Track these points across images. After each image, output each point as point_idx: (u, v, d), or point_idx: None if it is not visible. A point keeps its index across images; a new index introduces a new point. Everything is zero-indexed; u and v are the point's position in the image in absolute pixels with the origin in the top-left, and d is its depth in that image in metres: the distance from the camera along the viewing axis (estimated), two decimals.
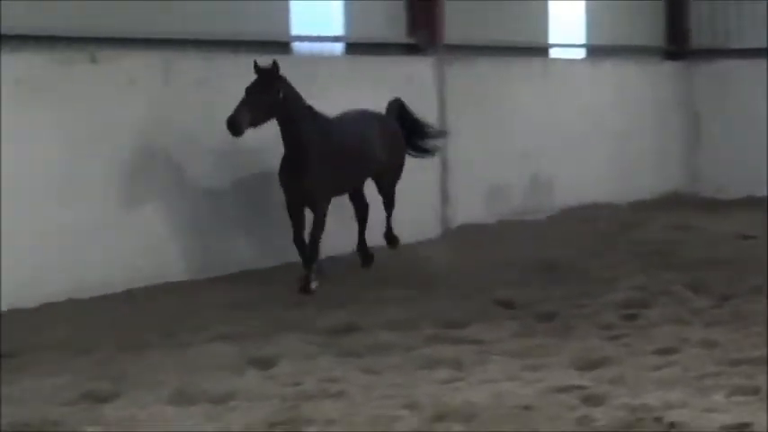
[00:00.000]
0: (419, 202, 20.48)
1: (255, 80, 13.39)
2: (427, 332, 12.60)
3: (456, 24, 21.97)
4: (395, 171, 15.93)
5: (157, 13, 17.52)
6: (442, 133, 16.59)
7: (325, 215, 14.36)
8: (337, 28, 21.25)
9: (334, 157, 14.24)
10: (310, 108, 14.11)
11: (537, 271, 16.75)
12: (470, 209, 21.84)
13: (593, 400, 9.28)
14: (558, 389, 9.84)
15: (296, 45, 20.89)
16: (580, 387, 9.82)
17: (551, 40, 25.73)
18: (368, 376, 10.82)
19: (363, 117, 15.59)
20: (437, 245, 20.34)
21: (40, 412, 9.69)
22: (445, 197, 21.37)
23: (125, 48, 17.39)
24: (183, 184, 16.80)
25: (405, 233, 19.31)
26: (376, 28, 21.74)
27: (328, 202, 14.49)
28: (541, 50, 25.57)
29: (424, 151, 16.50)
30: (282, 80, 13.62)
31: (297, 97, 13.84)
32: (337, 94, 18.64)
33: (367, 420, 9.09)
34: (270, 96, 13.21)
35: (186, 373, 11.10)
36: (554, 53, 25.88)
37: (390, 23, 21.85)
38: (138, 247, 16.69)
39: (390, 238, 16.38)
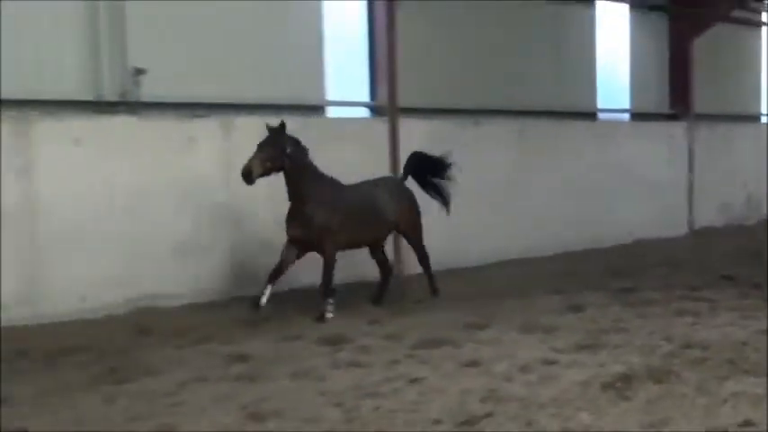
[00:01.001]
0: (674, 212, 24.23)
1: (266, 137, 13.14)
2: (678, 293, 14.53)
3: (704, 97, 25.19)
4: (413, 228, 15.02)
5: (512, 87, 20.42)
6: (450, 164, 15.25)
7: (333, 258, 13.67)
8: (626, 102, 24.24)
9: (337, 209, 13.59)
10: (313, 166, 13.60)
11: (749, 256, 18.93)
12: (706, 216, 25.50)
13: None
14: (763, 331, 11.30)
15: (600, 116, 23.52)
16: None
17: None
18: (640, 319, 12.59)
19: (374, 181, 14.69)
20: (685, 239, 23.68)
21: (440, 334, 11.76)
22: (691, 207, 24.91)
23: (490, 116, 20.09)
24: None
25: (664, 232, 22.76)
26: (649, 102, 25.05)
27: (335, 247, 13.66)
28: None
29: (441, 194, 15.55)
30: (288, 137, 13.21)
31: (303, 154, 13.43)
32: (627, 146, 22.68)
33: (640, 347, 10.76)
34: (276, 150, 12.99)
35: (529, 314, 13.10)
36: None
37: (659, 99, 25.13)
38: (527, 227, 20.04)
39: (433, 289, 15.12)
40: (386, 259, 14.98)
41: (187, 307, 13.91)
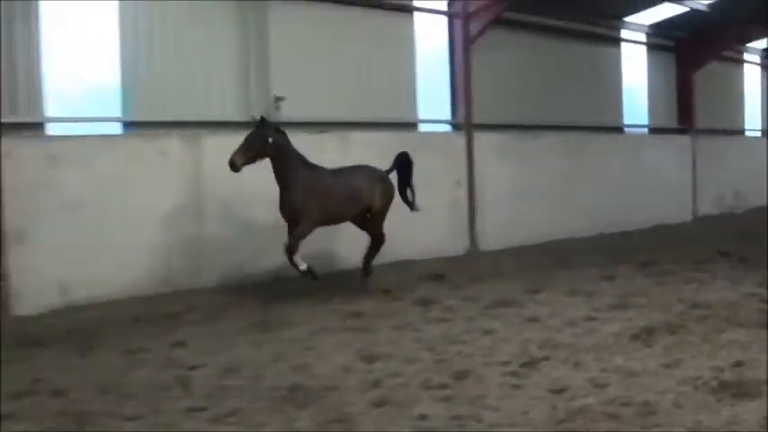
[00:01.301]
0: (682, 203, 23.69)
1: (251, 130, 11.81)
2: (686, 265, 14.20)
3: (703, 116, 24.78)
4: (380, 212, 13.12)
5: (561, 108, 20.25)
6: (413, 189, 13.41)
7: (308, 229, 12.05)
8: (645, 119, 23.85)
9: (316, 191, 12.07)
10: (299, 155, 12.14)
11: (740, 237, 18.40)
12: (706, 207, 24.74)
13: None
14: (749, 294, 11.34)
15: (626, 130, 22.93)
16: (759, 294, 11.23)
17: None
18: (659, 286, 12.40)
19: (354, 168, 13.09)
20: (690, 224, 22.96)
21: (507, 296, 11.79)
22: (694, 199, 24.30)
23: (545, 130, 19.72)
24: None
25: (675, 219, 22.30)
26: (662, 119, 24.37)
27: (312, 221, 12.07)
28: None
29: (409, 203, 13.51)
30: (271, 129, 11.83)
31: (286, 143, 11.94)
32: (646, 153, 22.31)
33: (659, 307, 10.60)
34: (259, 141, 11.58)
35: (574, 282, 12.98)
36: None
37: (669, 117, 24.54)
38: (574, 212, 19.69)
39: (366, 269, 13.25)
40: (375, 230, 13.26)
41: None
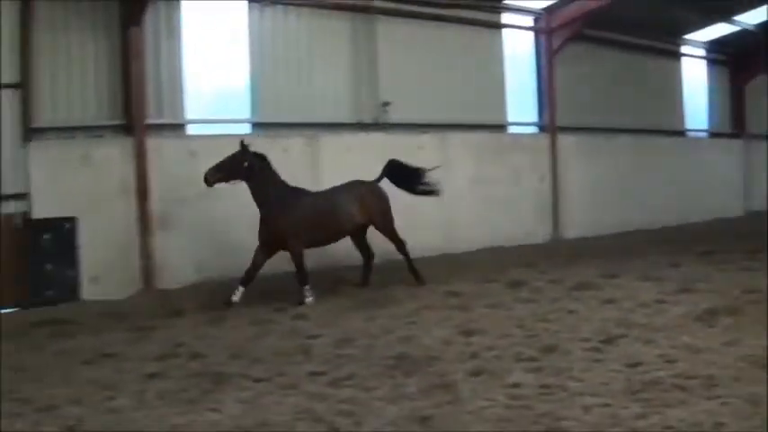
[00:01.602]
0: (735, 199, 22.85)
1: (233, 152, 10.89)
2: (741, 255, 13.46)
3: (753, 122, 23.81)
4: (383, 219, 11.89)
5: (632, 113, 19.65)
6: (428, 172, 12.21)
7: (300, 254, 11.04)
8: (704, 124, 23.00)
9: (293, 215, 11.02)
10: (280, 180, 11.19)
11: None
12: (757, 202, 23.30)
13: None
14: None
15: (688, 134, 22.19)
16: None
17: None
18: (718, 273, 11.70)
19: (339, 187, 11.86)
20: (744, 218, 22.10)
21: (587, 280, 11.18)
22: (746, 196, 23.42)
23: (618, 133, 19.30)
24: None
25: (728, 213, 21.49)
26: (719, 125, 23.51)
27: (300, 245, 11.06)
28: None
29: (426, 192, 12.26)
30: (250, 155, 10.89)
31: (265, 169, 11.04)
32: (705, 154, 21.62)
33: (719, 291, 10.06)
34: (233, 165, 10.73)
35: (645, 268, 12.43)
36: None
37: (725, 123, 23.68)
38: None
39: (414, 273, 12.12)
40: (368, 246, 12.15)
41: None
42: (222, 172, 10.65)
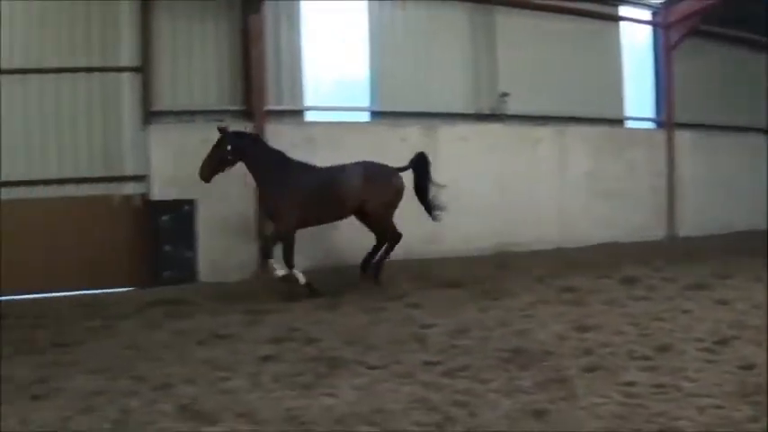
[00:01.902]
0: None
1: (214, 144, 10.51)
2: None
3: None
4: (379, 206, 10.98)
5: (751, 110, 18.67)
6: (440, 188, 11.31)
7: (287, 231, 10.54)
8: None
9: (290, 191, 10.54)
10: (278, 154, 10.76)
11: None
12: None
13: None
14: None
15: None
16: None
17: None
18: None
19: (346, 166, 11.05)
20: None
21: (700, 281, 10.87)
22: None
23: (732, 130, 18.32)
24: None
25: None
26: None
27: (290, 221, 10.55)
28: None
29: (428, 206, 11.33)
30: (231, 136, 10.53)
31: (254, 146, 10.75)
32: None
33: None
34: (219, 152, 10.37)
35: (758, 269, 11.72)
36: None
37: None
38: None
39: (377, 269, 11.14)
40: (382, 231, 11.18)
41: (529, 252, 13.25)
42: (211, 165, 10.42)
